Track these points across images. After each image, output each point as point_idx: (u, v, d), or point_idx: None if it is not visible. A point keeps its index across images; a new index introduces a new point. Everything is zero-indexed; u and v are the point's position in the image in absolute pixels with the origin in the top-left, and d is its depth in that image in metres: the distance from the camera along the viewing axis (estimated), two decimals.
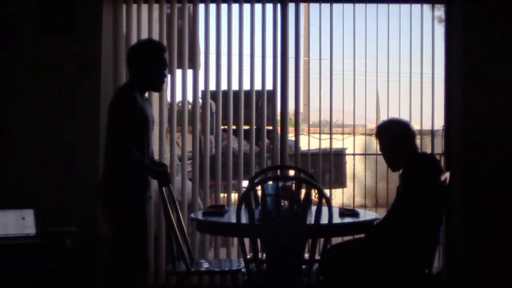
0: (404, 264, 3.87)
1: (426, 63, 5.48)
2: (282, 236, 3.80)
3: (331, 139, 5.64)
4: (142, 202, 4.08)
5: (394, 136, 4.11)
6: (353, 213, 4.21)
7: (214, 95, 5.56)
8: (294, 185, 4.02)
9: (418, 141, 4.31)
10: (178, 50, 5.51)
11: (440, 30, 5.64)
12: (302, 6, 5.55)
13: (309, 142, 5.87)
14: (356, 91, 5.58)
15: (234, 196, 5.89)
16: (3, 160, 5.12)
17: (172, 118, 5.47)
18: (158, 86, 4.18)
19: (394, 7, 5.51)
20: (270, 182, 3.95)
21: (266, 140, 5.64)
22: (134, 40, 5.26)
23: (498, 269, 5.14)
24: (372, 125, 5.12)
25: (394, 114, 5.44)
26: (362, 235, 4.12)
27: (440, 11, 5.68)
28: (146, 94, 4.28)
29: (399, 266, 3.88)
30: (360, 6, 5.50)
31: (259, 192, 4.30)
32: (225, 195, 5.80)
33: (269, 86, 5.51)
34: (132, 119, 3.94)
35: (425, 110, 5.49)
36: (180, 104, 6.02)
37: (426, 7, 5.55)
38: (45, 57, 5.15)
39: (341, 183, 7.91)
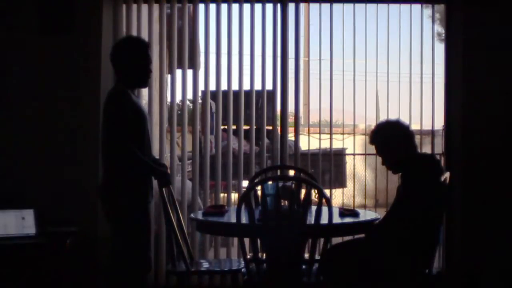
0: (404, 264, 3.87)
1: (426, 63, 5.49)
2: (282, 236, 3.79)
3: (331, 139, 5.64)
4: (145, 202, 4.08)
5: (387, 139, 4.11)
6: (353, 213, 4.21)
7: (214, 95, 5.56)
8: (294, 185, 4.02)
9: (417, 141, 4.31)
10: (178, 50, 5.51)
11: (440, 30, 5.65)
12: (302, 6, 5.54)
13: (309, 142, 5.87)
14: (356, 91, 5.59)
15: (234, 196, 5.89)
16: (3, 160, 5.12)
17: (172, 118, 5.47)
18: (145, 82, 4.18)
19: (394, 7, 5.51)
20: (270, 182, 3.94)
21: (266, 140, 5.64)
22: None
23: (498, 269, 5.14)
24: (372, 125, 5.13)
25: (394, 114, 5.45)
26: (362, 235, 4.12)
27: (428, 8, 5.67)
28: (136, 92, 4.28)
29: (399, 266, 3.88)
30: (360, 6, 5.50)
31: (259, 192, 4.30)
32: (225, 195, 5.80)
33: (269, 86, 5.51)
34: (130, 118, 3.94)
35: (425, 110, 5.50)
36: (180, 104, 6.02)
37: (425, 7, 5.56)
38: (45, 57, 5.15)
39: (341, 183, 7.91)
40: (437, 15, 5.75)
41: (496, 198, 5.16)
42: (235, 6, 5.46)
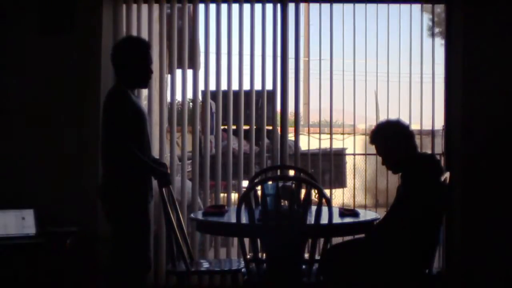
0: (404, 264, 3.87)
1: (426, 63, 5.48)
2: (282, 236, 3.79)
3: (331, 139, 5.64)
4: (144, 202, 4.07)
5: (387, 139, 4.10)
6: (353, 213, 4.20)
7: (214, 95, 5.56)
8: (294, 185, 4.02)
9: (417, 141, 4.31)
10: (178, 50, 5.51)
11: (437, 30, 5.64)
12: (302, 6, 5.54)
13: (309, 142, 5.86)
14: (356, 91, 5.59)
15: (234, 196, 5.89)
16: (3, 160, 5.12)
17: (172, 118, 5.47)
18: (145, 82, 4.18)
19: (394, 7, 5.51)
20: (270, 182, 3.94)
21: (266, 140, 5.64)
22: None
23: (498, 269, 5.14)
24: (372, 125, 5.14)
25: (394, 114, 5.45)
26: (362, 235, 4.12)
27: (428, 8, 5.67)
28: (136, 92, 4.28)
29: (399, 266, 3.87)
30: (360, 6, 5.50)
31: (259, 192, 4.30)
32: (225, 195, 5.80)
33: (269, 86, 5.51)
34: (129, 118, 3.94)
35: (425, 110, 5.49)
36: (180, 104, 6.02)
37: (425, 8, 5.56)
38: (45, 57, 5.15)
39: (341, 183, 7.91)
40: (436, 15, 5.74)
41: (496, 198, 5.16)
42: (235, 6, 5.46)
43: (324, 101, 5.62)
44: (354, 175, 8.53)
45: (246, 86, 5.53)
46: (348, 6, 5.50)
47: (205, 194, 5.53)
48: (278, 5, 5.45)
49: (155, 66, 4.22)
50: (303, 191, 3.99)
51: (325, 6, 5.46)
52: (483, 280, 5.15)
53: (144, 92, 5.33)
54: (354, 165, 8.68)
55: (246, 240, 4.00)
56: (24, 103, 5.15)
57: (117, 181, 4.00)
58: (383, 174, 5.38)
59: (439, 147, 5.56)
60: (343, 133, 7.54)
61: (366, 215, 4.28)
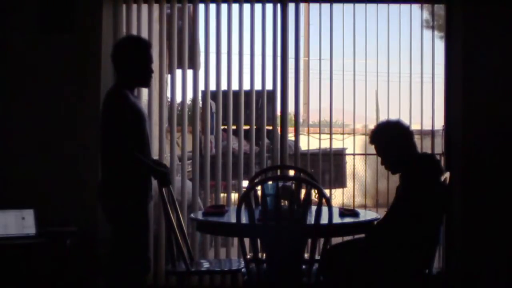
0: (404, 264, 3.87)
1: (426, 63, 5.48)
2: (282, 236, 3.79)
3: (331, 139, 5.64)
4: (144, 203, 4.07)
5: (387, 139, 4.10)
6: (353, 213, 4.20)
7: (214, 95, 5.56)
8: (294, 185, 4.02)
9: (417, 141, 4.30)
10: (178, 50, 5.51)
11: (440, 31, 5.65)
12: (302, 6, 5.55)
13: (309, 142, 5.86)
14: (356, 91, 5.59)
15: (234, 196, 5.89)
16: (3, 160, 5.12)
17: (172, 118, 5.47)
18: (147, 82, 4.17)
19: (394, 7, 5.51)
20: (270, 182, 3.94)
21: (266, 140, 5.64)
22: None
23: (498, 269, 5.14)
24: (372, 125, 5.13)
25: (394, 114, 5.45)
26: (362, 235, 4.12)
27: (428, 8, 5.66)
28: (135, 92, 4.27)
29: (399, 266, 3.88)
30: (360, 6, 5.50)
31: (259, 192, 4.30)
32: (225, 195, 5.80)
33: (269, 86, 5.51)
34: (128, 118, 3.93)
35: (425, 110, 5.49)
36: (180, 104, 6.02)
37: (424, 8, 5.56)
38: (45, 57, 5.15)
39: (341, 183, 7.91)
40: (436, 15, 5.74)
41: (496, 198, 5.16)
42: (235, 6, 5.46)
43: (324, 101, 5.63)
44: (354, 175, 8.53)
45: (246, 86, 5.54)
46: (348, 6, 5.51)
47: (205, 194, 5.53)
48: (278, 5, 5.45)
49: (155, 66, 4.22)
50: (303, 191, 3.99)
51: (325, 6, 5.47)
52: (483, 280, 5.15)
53: (144, 92, 5.33)
54: (354, 165, 8.68)
55: (246, 240, 4.00)
56: (23, 102, 5.15)
57: (117, 181, 4.00)
58: (383, 174, 5.38)
59: (439, 147, 5.56)
60: (343, 133, 7.54)
61: (366, 215, 4.27)
